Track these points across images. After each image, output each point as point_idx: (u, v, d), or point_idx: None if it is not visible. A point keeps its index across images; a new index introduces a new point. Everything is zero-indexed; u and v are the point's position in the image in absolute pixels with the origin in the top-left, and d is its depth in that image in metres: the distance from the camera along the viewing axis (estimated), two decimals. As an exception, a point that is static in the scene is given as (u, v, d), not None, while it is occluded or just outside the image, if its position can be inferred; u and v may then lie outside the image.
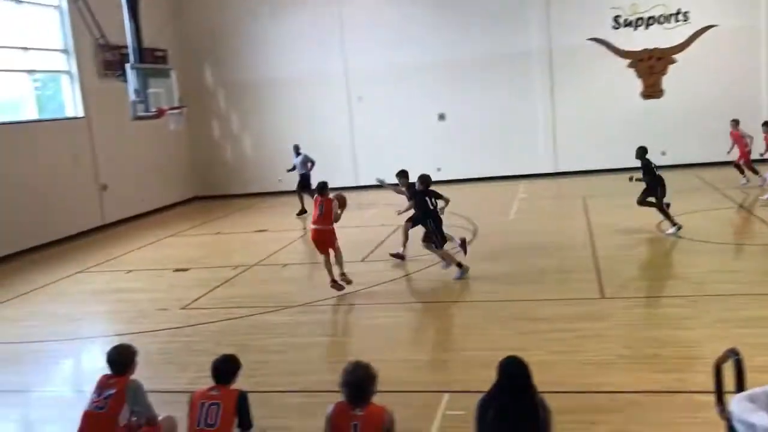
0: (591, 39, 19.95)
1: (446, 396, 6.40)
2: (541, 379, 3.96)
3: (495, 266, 11.08)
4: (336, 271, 10.14)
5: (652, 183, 12.09)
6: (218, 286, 11.33)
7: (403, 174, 11.64)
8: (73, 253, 15.30)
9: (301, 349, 8.11)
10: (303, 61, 21.41)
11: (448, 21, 20.51)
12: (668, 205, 12.29)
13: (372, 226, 15.01)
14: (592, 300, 8.94)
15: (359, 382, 4.18)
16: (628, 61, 19.98)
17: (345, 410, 4.21)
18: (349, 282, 10.14)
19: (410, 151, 21.11)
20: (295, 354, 7.99)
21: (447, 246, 10.76)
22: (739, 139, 16.16)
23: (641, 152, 12.20)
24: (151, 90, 14.11)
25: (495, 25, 20.23)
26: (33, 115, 16.66)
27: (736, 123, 16.25)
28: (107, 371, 5.16)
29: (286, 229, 15.88)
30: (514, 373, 3.81)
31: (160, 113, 14.30)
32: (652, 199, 12.24)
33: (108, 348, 5.35)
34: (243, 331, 8.94)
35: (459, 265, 10.40)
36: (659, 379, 6.45)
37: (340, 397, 4.38)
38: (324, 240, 10.09)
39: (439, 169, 21.10)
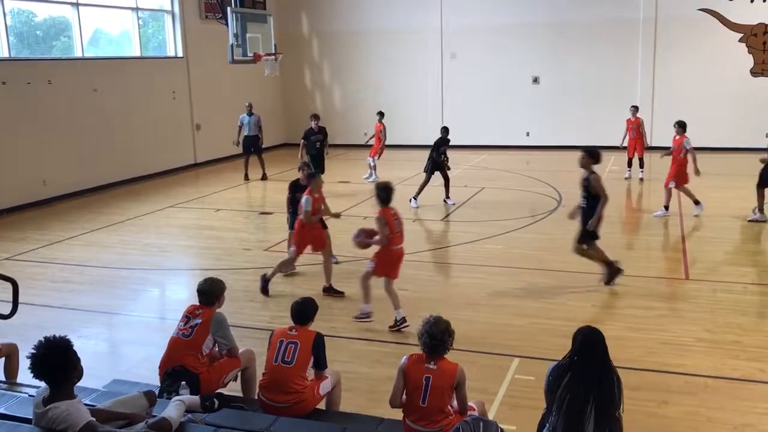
0: (702, 9, 18.95)
1: (516, 360, 6.43)
2: (614, 355, 3.89)
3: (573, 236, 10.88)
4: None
5: (435, 165, 13.29)
6: (300, 232, 11.60)
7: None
8: (166, 189, 15.96)
9: (376, 300, 8.26)
10: (399, 13, 21.28)
11: (550, -19, 19.94)
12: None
13: (454, 186, 14.94)
14: (676, 280, 8.71)
15: (440, 334, 4.24)
16: (739, 35, 18.92)
17: (419, 363, 4.29)
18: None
19: (500, 113, 20.80)
20: (370, 304, 8.14)
21: None
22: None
23: (444, 131, 13.62)
24: (249, 34, 14.36)
25: (600, -11, 19.55)
26: (136, 52, 17.27)
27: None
28: (194, 302, 5.40)
29: (368, 183, 16.00)
30: (590, 343, 3.77)
31: (257, 58, 14.54)
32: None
33: (194, 281, 5.59)
34: (321, 277, 9.16)
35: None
36: (739, 367, 6.28)
37: (412, 350, 4.48)
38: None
39: (527, 134, 20.81)
